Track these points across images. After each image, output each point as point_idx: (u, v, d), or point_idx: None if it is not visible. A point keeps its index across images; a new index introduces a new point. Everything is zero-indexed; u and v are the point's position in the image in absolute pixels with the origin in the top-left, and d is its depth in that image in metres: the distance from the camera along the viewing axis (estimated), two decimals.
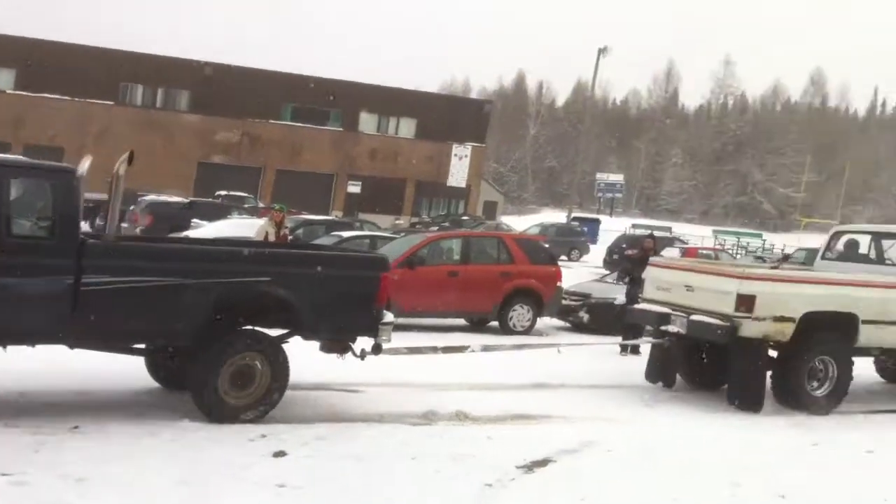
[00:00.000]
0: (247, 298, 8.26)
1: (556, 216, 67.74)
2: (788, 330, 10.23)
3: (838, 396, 10.75)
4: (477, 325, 16.82)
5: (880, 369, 13.49)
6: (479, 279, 16.17)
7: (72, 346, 7.94)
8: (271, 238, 15.99)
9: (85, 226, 33.32)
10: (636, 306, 12.11)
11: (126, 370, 9.28)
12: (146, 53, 50.25)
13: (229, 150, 50.70)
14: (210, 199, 34.28)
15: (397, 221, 45.50)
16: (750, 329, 10.08)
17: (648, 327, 12.21)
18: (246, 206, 33.86)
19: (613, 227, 57.60)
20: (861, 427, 10.29)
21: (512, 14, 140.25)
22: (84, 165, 8.36)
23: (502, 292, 16.31)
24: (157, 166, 47.73)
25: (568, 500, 6.73)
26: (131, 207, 28.49)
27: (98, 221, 31.25)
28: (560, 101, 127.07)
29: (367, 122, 55.74)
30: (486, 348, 11.43)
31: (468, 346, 11.17)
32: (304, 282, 8.37)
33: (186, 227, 23.71)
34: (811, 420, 10.36)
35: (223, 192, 40.07)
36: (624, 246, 35.71)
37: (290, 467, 6.98)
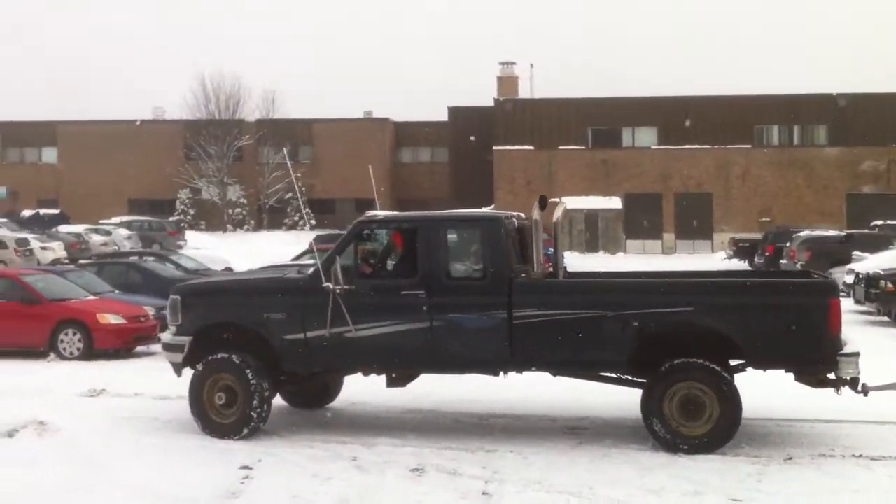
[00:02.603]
0: (669, 329, 8.24)
1: None
2: None
3: None
4: None
5: None
6: None
7: (507, 373, 8.68)
8: None
9: (741, 263, 34.29)
10: None
11: None
12: (777, 94, 50.28)
13: (878, 179, 48.05)
14: (867, 231, 32.73)
15: None
16: None
17: None
18: None
19: None
20: None
21: None
22: (558, 212, 9.03)
23: None
24: (802, 202, 47.39)
25: None
26: (787, 244, 28.57)
27: (756, 259, 32.02)
28: None
29: None
30: None
31: None
32: (733, 311, 8.14)
33: (847, 260, 22.92)
34: None
35: (879, 222, 37.98)
36: None
37: None
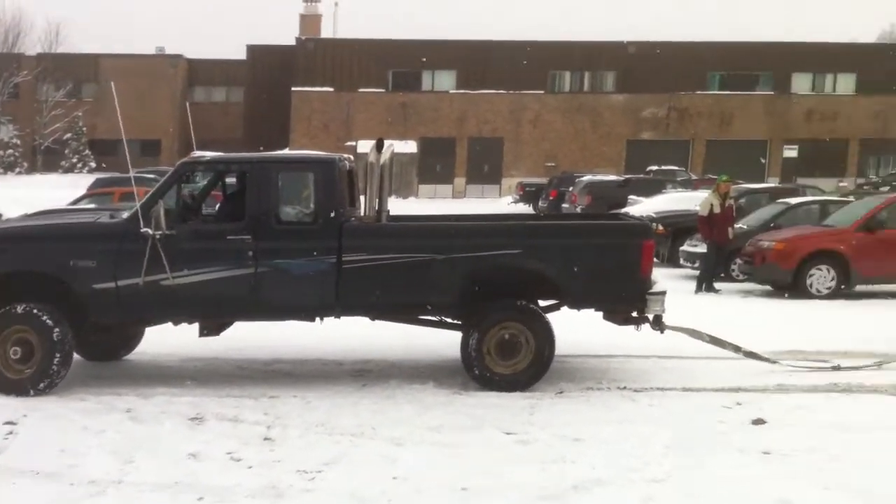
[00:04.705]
0: (496, 271, 8.44)
1: None
2: None
3: None
4: None
5: None
6: None
7: (338, 317, 8.66)
8: (716, 210, 15.86)
9: (527, 207, 35.64)
10: None
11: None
12: (571, 41, 51.99)
13: (657, 126, 50.89)
14: (643, 176, 34.67)
15: (841, 184, 42.53)
16: None
17: None
18: (678, 179, 33.72)
19: None
20: None
21: None
22: (386, 155, 8.96)
23: None
24: (587, 148, 49.56)
25: None
26: (570, 189, 29.82)
27: (541, 203, 33.29)
28: None
29: (801, 82, 52.76)
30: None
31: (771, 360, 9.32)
32: (557, 253, 8.40)
33: (623, 204, 24.19)
34: None
35: (654, 168, 40.31)
36: None
37: (773, 435, 6.95)
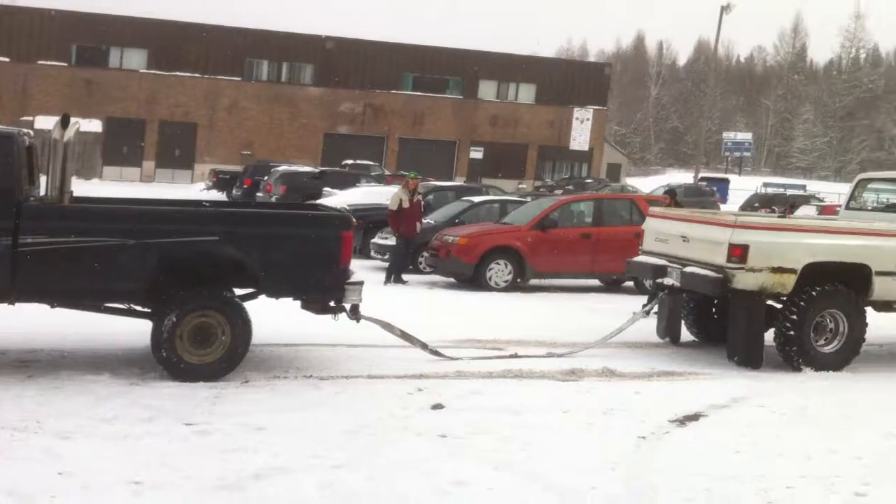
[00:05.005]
0: (193, 258, 8.16)
1: (682, 177, 66.61)
2: (789, 282, 9.74)
3: (849, 353, 10.07)
4: (610, 285, 16.87)
5: None
6: (613, 241, 16.15)
7: (12, 303, 8.06)
8: (405, 205, 16.36)
9: (220, 194, 34.72)
10: (633, 259, 11.68)
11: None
12: (271, 30, 51.54)
13: (353, 121, 51.71)
14: (338, 169, 35.04)
15: (521, 186, 45.64)
16: (744, 281, 9.66)
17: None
18: (373, 174, 34.48)
19: (743, 187, 56.71)
20: None
21: None
22: (70, 132, 8.31)
23: None
24: (285, 138, 49.36)
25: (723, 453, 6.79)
26: (265, 178, 29.47)
27: (234, 191, 32.62)
28: (681, 61, 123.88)
29: (487, 89, 55.89)
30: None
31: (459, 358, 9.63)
32: (257, 241, 8.28)
33: (318, 195, 24.30)
34: None
35: (350, 161, 40.90)
36: (756, 205, 34.83)
37: (450, 420, 7.25)
